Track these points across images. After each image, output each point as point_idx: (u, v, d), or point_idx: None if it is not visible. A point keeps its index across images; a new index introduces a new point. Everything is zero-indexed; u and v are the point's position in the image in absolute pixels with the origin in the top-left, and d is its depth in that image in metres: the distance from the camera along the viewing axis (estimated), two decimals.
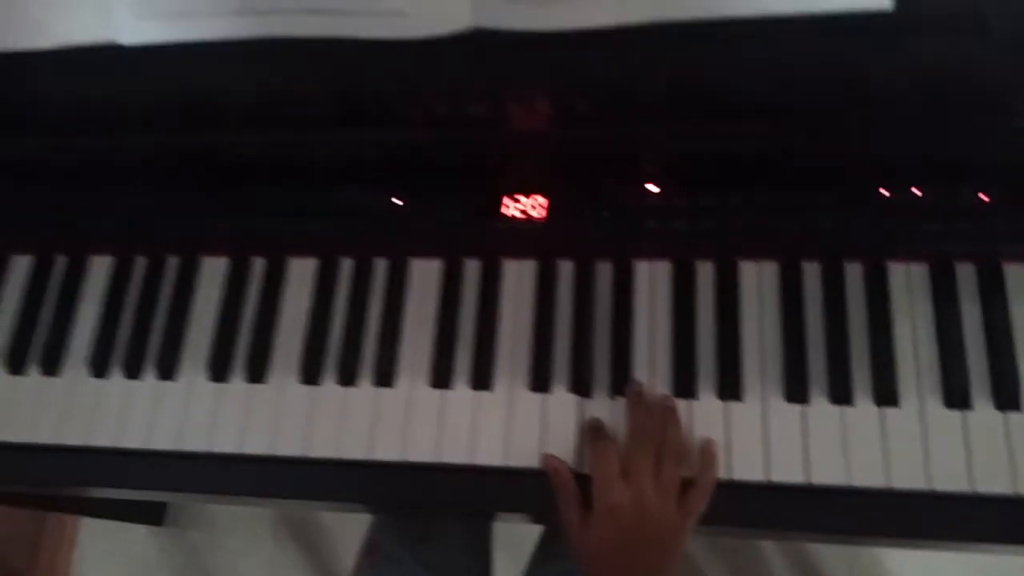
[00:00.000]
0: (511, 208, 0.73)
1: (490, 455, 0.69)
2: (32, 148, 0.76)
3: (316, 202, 0.76)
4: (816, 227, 0.69)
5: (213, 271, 0.78)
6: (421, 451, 0.69)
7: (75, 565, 1.55)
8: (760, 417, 0.67)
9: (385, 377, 0.72)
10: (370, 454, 0.70)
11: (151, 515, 1.52)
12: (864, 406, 0.66)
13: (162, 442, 0.72)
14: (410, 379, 0.72)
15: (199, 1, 0.61)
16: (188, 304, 0.77)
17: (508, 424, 0.69)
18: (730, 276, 0.71)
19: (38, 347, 0.78)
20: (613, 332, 0.71)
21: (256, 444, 0.71)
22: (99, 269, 0.80)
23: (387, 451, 0.70)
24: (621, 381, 0.69)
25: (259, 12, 0.61)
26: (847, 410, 0.66)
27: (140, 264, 0.80)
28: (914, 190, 0.68)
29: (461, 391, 0.71)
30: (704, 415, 0.67)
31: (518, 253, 0.75)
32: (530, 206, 0.73)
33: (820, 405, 0.67)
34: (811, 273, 0.71)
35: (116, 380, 0.76)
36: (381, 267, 0.76)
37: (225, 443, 0.72)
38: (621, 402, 0.69)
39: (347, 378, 0.72)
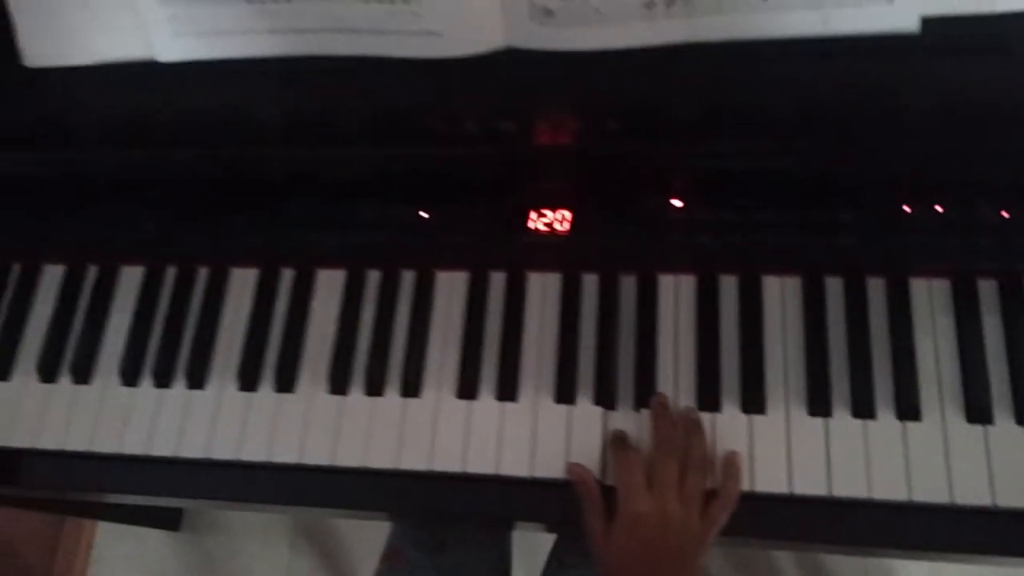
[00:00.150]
0: (537, 221, 0.74)
1: (515, 466, 0.69)
2: (67, 160, 0.78)
3: (344, 214, 0.77)
4: (839, 243, 0.70)
5: (243, 282, 0.79)
6: (447, 461, 0.70)
7: (92, 569, 1.56)
8: (783, 430, 0.68)
9: (412, 387, 0.73)
10: (396, 463, 0.71)
11: (168, 520, 1.53)
12: (886, 420, 0.67)
13: (192, 450, 0.73)
14: (436, 389, 0.73)
15: (237, 19, 0.62)
16: (218, 314, 0.78)
17: (533, 435, 0.70)
18: (754, 290, 0.72)
19: (70, 356, 0.79)
20: (637, 345, 0.72)
21: (284, 453, 0.72)
22: (130, 279, 0.81)
23: (413, 461, 0.71)
24: (645, 394, 0.70)
25: (296, 31, 0.62)
26: (869, 424, 0.67)
27: (171, 274, 0.80)
28: (936, 207, 0.69)
29: (487, 401, 0.72)
30: (727, 428, 0.68)
31: (543, 266, 0.75)
32: (556, 220, 0.74)
33: (842, 419, 0.67)
34: (834, 288, 0.71)
35: (146, 389, 0.77)
36: (408, 279, 0.77)
37: (253, 451, 0.73)
38: (645, 415, 0.69)
39: (374, 388, 0.73)
